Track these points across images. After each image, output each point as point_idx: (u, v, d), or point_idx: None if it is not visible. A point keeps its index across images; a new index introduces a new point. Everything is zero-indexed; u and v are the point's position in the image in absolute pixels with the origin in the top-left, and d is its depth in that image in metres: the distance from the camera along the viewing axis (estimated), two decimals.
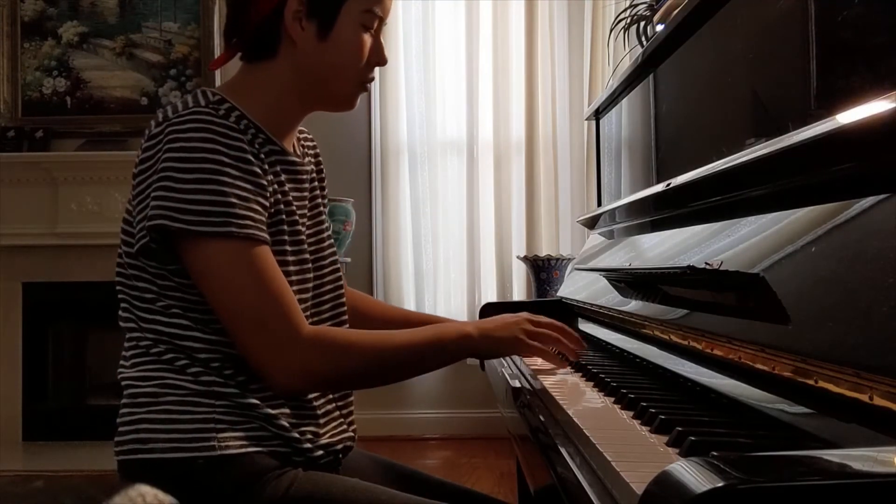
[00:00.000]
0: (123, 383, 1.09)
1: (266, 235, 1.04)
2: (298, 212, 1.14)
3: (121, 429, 1.07)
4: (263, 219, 1.04)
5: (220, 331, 1.05)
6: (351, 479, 1.08)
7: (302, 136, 1.25)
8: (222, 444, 1.02)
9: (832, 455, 0.50)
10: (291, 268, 1.10)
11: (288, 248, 1.10)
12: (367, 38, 1.12)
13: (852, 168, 0.76)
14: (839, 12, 0.87)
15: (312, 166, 1.23)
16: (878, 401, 0.59)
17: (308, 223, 1.18)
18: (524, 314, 1.20)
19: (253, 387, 1.05)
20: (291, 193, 1.13)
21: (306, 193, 1.18)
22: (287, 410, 1.07)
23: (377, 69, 1.18)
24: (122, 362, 1.11)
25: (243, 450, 1.02)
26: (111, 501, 0.71)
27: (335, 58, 1.10)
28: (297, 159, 1.15)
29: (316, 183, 1.23)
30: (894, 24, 0.78)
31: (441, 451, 3.55)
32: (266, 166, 1.08)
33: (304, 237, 1.14)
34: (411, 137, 3.73)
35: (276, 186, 1.09)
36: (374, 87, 3.69)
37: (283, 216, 1.10)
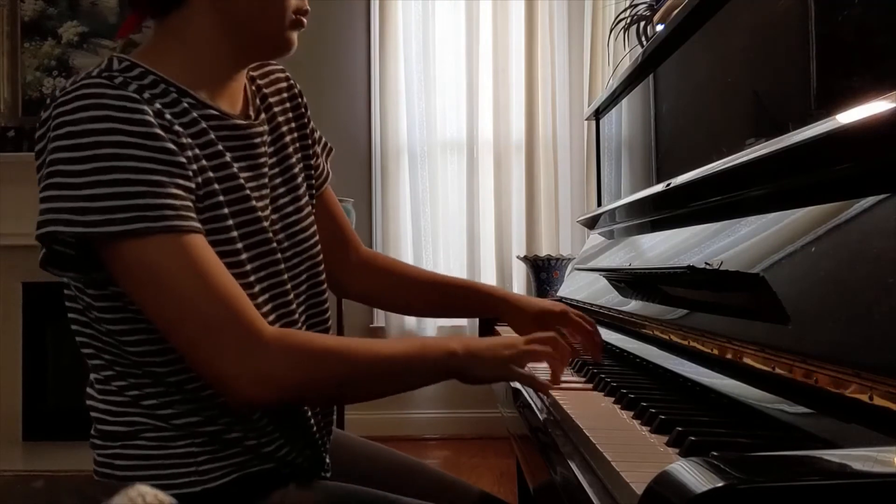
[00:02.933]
0: (92, 413, 0.97)
1: (195, 223, 0.87)
2: (250, 185, 0.97)
3: (96, 457, 0.97)
4: (187, 203, 0.87)
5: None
6: (341, 486, 1.03)
7: (266, 80, 1.08)
8: (203, 477, 0.93)
9: (832, 455, 0.50)
10: (244, 256, 0.94)
11: (235, 233, 0.94)
12: None
13: (852, 168, 0.76)
14: (839, 12, 0.87)
15: (290, 120, 1.07)
16: (878, 401, 0.59)
17: (278, 193, 1.02)
18: (518, 338, 1.03)
19: (230, 419, 0.95)
20: (236, 164, 0.95)
21: (265, 160, 1.00)
22: (274, 434, 0.98)
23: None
24: (88, 388, 0.99)
25: (226, 479, 0.94)
26: (111, 501, 0.71)
27: None
28: (241, 122, 0.98)
29: (288, 138, 1.06)
30: (894, 24, 0.78)
31: (441, 451, 3.55)
32: (187, 140, 0.90)
33: (260, 215, 0.97)
34: (411, 137, 3.73)
35: (204, 162, 0.91)
36: (374, 86, 3.70)
37: (221, 196, 0.92)
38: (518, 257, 3.54)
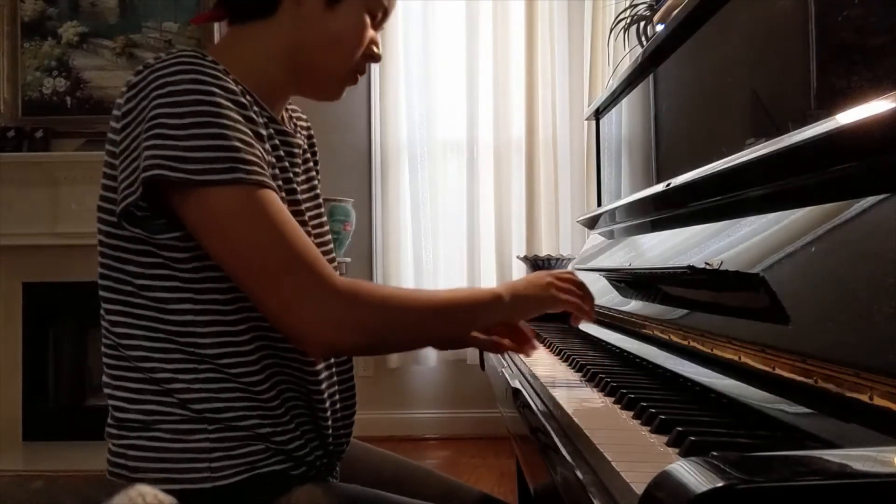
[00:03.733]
0: (110, 402, 0.99)
1: (273, 182, 0.95)
2: (295, 181, 1.06)
3: (111, 447, 1.00)
4: (267, 167, 0.95)
5: (218, 311, 0.96)
6: (350, 487, 1.05)
7: (296, 115, 1.18)
8: (216, 473, 0.95)
9: (832, 455, 0.50)
10: None
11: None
12: (369, 25, 1.06)
13: (852, 168, 0.76)
14: (839, 12, 0.87)
15: (304, 140, 1.16)
16: (878, 401, 0.59)
17: (307, 207, 1.11)
18: (545, 273, 1.17)
19: (250, 403, 0.98)
20: (287, 160, 1.05)
21: (298, 169, 1.10)
22: (289, 425, 1.01)
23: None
24: (104, 378, 1.01)
25: (238, 477, 0.96)
26: (111, 501, 0.71)
27: (336, 30, 1.04)
28: (288, 129, 1.08)
29: (311, 164, 1.16)
30: (894, 24, 0.78)
31: (441, 451, 3.55)
32: (261, 120, 1.00)
33: (303, 207, 1.07)
34: (411, 137, 3.73)
35: (269, 147, 1.00)
36: (374, 86, 3.70)
37: (281, 181, 1.01)
38: (518, 257, 3.54)
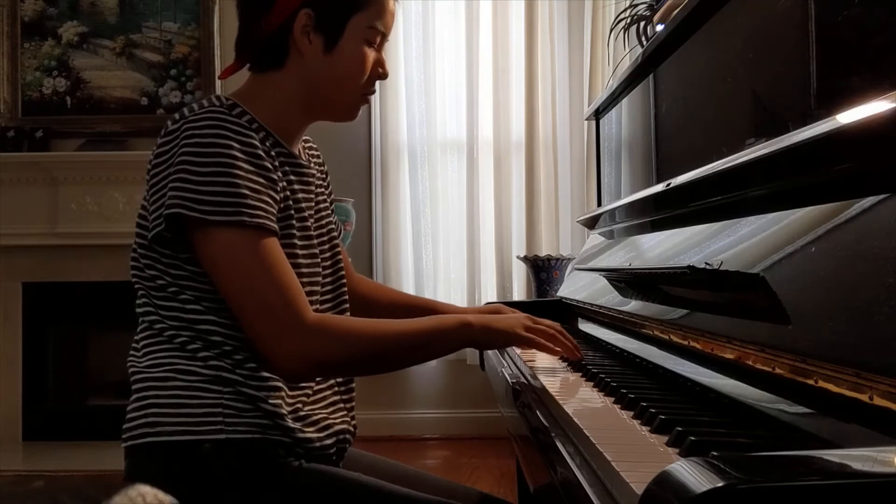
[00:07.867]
0: (132, 370, 1.13)
1: (275, 226, 1.09)
2: (307, 210, 1.19)
3: (129, 415, 1.10)
4: (274, 211, 1.09)
5: (233, 316, 1.08)
6: (352, 473, 1.13)
7: (307, 145, 1.30)
8: (229, 428, 1.06)
9: (832, 455, 0.50)
10: (301, 260, 1.15)
11: (297, 241, 1.15)
12: (370, 53, 1.18)
13: (852, 168, 0.76)
14: (839, 12, 0.87)
15: (317, 170, 1.29)
16: (878, 401, 0.59)
17: (321, 225, 1.24)
18: (525, 315, 1.25)
19: (257, 382, 1.09)
20: (300, 192, 1.18)
21: (312, 196, 1.22)
22: (289, 403, 1.11)
23: (378, 82, 1.24)
24: (132, 353, 1.14)
25: (249, 435, 1.07)
26: (111, 501, 0.71)
27: (340, 70, 1.16)
28: (303, 162, 1.21)
29: (322, 189, 1.29)
30: (894, 24, 0.78)
31: (441, 451, 3.55)
32: (277, 163, 1.13)
33: (312, 232, 1.20)
34: (411, 137, 3.73)
35: (284, 184, 1.14)
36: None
37: (293, 212, 1.15)
38: (518, 257, 3.54)
